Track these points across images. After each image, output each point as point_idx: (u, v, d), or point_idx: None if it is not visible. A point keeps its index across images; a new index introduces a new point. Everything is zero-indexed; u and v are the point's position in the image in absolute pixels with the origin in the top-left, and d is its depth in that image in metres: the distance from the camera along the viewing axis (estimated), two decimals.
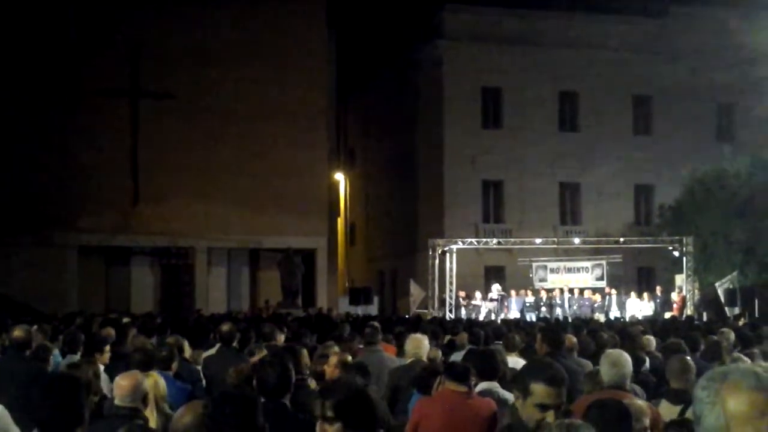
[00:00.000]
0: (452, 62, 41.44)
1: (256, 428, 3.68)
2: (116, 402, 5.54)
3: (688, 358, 7.43)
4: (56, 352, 10.36)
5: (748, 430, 2.30)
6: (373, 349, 9.84)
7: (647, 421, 5.20)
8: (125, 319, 19.68)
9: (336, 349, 8.90)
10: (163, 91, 36.05)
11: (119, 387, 5.56)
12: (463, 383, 6.37)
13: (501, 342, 10.58)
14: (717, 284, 30.59)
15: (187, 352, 9.89)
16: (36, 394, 4.34)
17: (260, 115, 37.12)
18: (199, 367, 9.33)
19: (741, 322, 21.28)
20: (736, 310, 28.75)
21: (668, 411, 5.92)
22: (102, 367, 8.20)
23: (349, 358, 8.35)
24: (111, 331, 13.31)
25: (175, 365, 8.04)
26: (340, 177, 49.86)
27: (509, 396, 6.73)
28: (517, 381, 4.66)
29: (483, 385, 6.91)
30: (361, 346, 11.02)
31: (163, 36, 36.44)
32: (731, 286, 29.76)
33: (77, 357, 9.68)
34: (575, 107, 43.35)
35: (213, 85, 36.67)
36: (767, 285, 31.63)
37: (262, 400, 5.44)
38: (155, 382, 6.17)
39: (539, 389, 4.42)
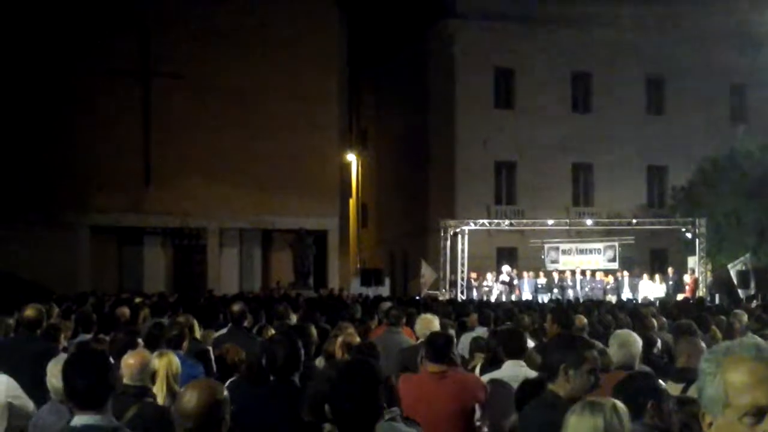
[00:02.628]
0: (464, 42, 41.28)
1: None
2: (125, 381, 5.57)
3: (699, 339, 7.43)
4: None
5: (745, 399, 2.30)
6: (395, 331, 9.98)
7: None
8: (137, 299, 19.82)
9: (351, 330, 8.92)
10: (174, 71, 36.02)
11: (127, 366, 5.59)
12: (440, 362, 6.38)
13: (511, 323, 10.61)
14: (729, 266, 30.51)
15: (197, 332, 9.93)
16: (70, 369, 4.42)
17: (272, 96, 37.07)
18: (210, 347, 9.34)
19: (754, 304, 21.24)
20: (751, 292, 28.70)
21: (672, 390, 5.93)
22: None
23: (357, 339, 8.38)
24: (126, 311, 13.40)
25: (185, 344, 8.06)
26: (351, 158, 49.80)
27: (534, 375, 6.73)
28: (565, 355, 4.73)
29: (510, 364, 6.92)
30: (372, 327, 11.12)
31: (174, 16, 36.40)
32: (744, 268, 29.67)
33: (89, 336, 9.73)
34: (588, 88, 43.17)
35: (224, 65, 36.60)
36: None
37: (271, 378, 5.47)
38: (169, 361, 6.18)
39: (591, 355, 4.71)
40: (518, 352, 7.13)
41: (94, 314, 11.81)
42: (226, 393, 4.06)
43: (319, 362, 7.76)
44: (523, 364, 7.07)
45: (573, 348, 4.76)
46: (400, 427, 4.28)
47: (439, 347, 6.43)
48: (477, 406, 6.58)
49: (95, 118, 35.45)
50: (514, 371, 7.01)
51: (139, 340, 7.56)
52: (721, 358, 2.39)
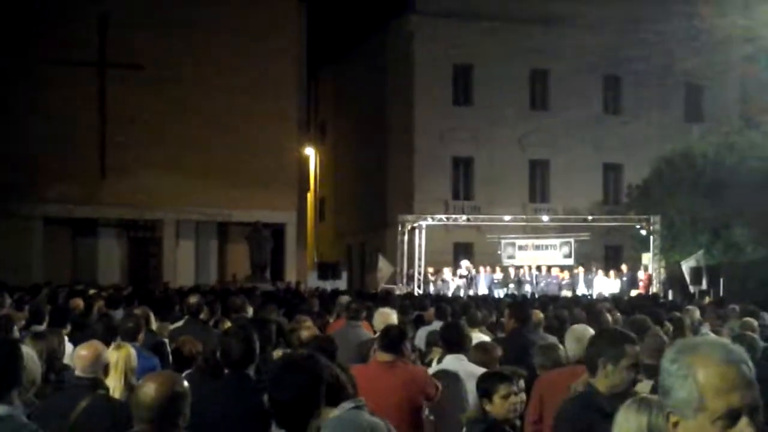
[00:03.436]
0: (424, 38, 41.34)
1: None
2: (77, 372, 5.50)
3: (663, 335, 7.52)
4: None
5: (720, 403, 2.29)
6: (354, 324, 10.04)
7: None
8: (92, 291, 19.63)
9: (309, 323, 8.94)
10: (131, 61, 35.64)
11: (80, 357, 5.52)
12: (390, 352, 6.43)
13: (465, 317, 10.66)
14: (682, 262, 30.89)
15: (153, 324, 9.86)
16: None
17: (230, 88, 36.81)
18: (166, 339, 9.28)
19: (706, 300, 21.55)
20: (703, 287, 29.08)
21: (642, 387, 5.96)
22: (66, 338, 8.13)
23: (315, 332, 8.39)
24: (79, 303, 13.26)
25: (141, 336, 8.01)
26: (310, 151, 49.69)
27: (475, 369, 6.79)
28: (604, 350, 4.74)
29: (450, 358, 6.94)
30: (331, 321, 11.15)
31: (131, 6, 35.99)
32: (696, 264, 30.06)
33: (42, 327, 9.60)
34: (546, 86, 43.43)
35: (182, 56, 36.28)
36: (733, 264, 31.95)
37: (226, 371, 5.45)
38: (128, 353, 6.13)
39: (631, 350, 4.72)
40: (458, 346, 7.16)
41: (49, 305, 11.70)
42: (185, 385, 4.02)
43: (278, 354, 7.73)
44: (464, 358, 7.11)
45: (613, 343, 4.77)
46: (365, 415, 4.29)
47: (392, 338, 6.50)
48: (425, 402, 6.61)
49: (50, 108, 34.97)
50: (454, 365, 7.06)
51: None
52: (690, 358, 2.36)
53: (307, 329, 8.39)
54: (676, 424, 2.38)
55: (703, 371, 2.32)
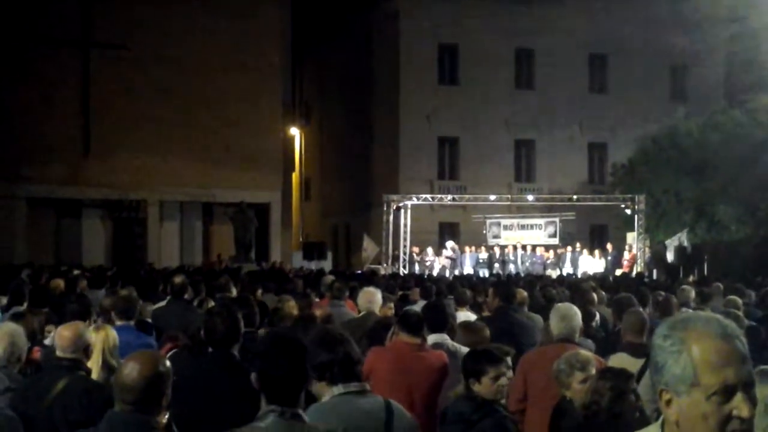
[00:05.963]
0: (409, 17, 41.19)
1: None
2: (57, 353, 5.44)
3: (644, 313, 7.50)
4: None
5: (716, 379, 2.24)
6: (337, 304, 10.12)
7: (593, 370, 5.33)
8: (75, 272, 19.53)
9: (292, 303, 8.93)
10: (115, 41, 35.37)
11: (61, 338, 5.46)
12: (416, 335, 6.41)
13: (452, 296, 10.67)
14: (667, 242, 30.97)
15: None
16: None
17: (215, 67, 36.64)
18: (149, 320, 9.23)
19: (690, 279, 21.62)
20: (688, 265, 29.21)
21: (629, 364, 5.93)
22: None
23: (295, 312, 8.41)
24: (60, 283, 13.17)
25: (135, 316, 7.96)
26: (295, 131, 49.51)
27: (459, 347, 6.77)
28: None
29: (433, 337, 6.93)
30: (317, 300, 11.17)
31: None
32: (681, 244, 30.14)
33: (22, 308, 9.53)
34: (531, 65, 43.34)
35: (166, 35, 36.03)
36: (717, 244, 32.08)
37: (210, 349, 5.41)
38: (106, 334, 6.07)
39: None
40: (440, 326, 7.15)
41: (30, 286, 11.63)
42: (168, 365, 3.97)
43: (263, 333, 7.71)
44: (446, 337, 7.10)
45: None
46: (357, 400, 4.29)
47: (415, 321, 6.53)
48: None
49: (33, 87, 34.72)
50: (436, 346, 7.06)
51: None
52: (683, 334, 2.32)
53: (291, 308, 8.37)
54: (669, 402, 2.34)
55: (698, 346, 2.28)
